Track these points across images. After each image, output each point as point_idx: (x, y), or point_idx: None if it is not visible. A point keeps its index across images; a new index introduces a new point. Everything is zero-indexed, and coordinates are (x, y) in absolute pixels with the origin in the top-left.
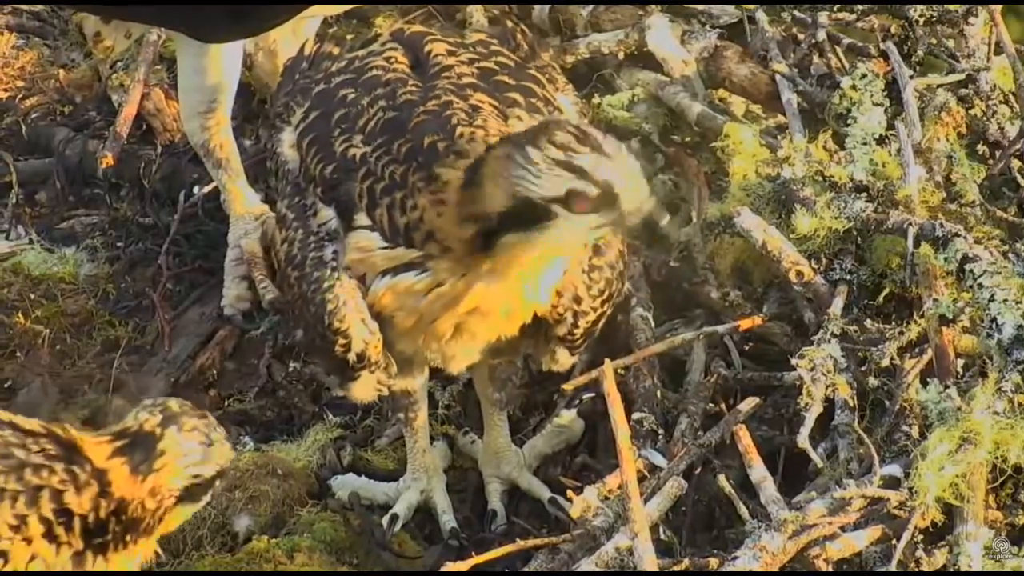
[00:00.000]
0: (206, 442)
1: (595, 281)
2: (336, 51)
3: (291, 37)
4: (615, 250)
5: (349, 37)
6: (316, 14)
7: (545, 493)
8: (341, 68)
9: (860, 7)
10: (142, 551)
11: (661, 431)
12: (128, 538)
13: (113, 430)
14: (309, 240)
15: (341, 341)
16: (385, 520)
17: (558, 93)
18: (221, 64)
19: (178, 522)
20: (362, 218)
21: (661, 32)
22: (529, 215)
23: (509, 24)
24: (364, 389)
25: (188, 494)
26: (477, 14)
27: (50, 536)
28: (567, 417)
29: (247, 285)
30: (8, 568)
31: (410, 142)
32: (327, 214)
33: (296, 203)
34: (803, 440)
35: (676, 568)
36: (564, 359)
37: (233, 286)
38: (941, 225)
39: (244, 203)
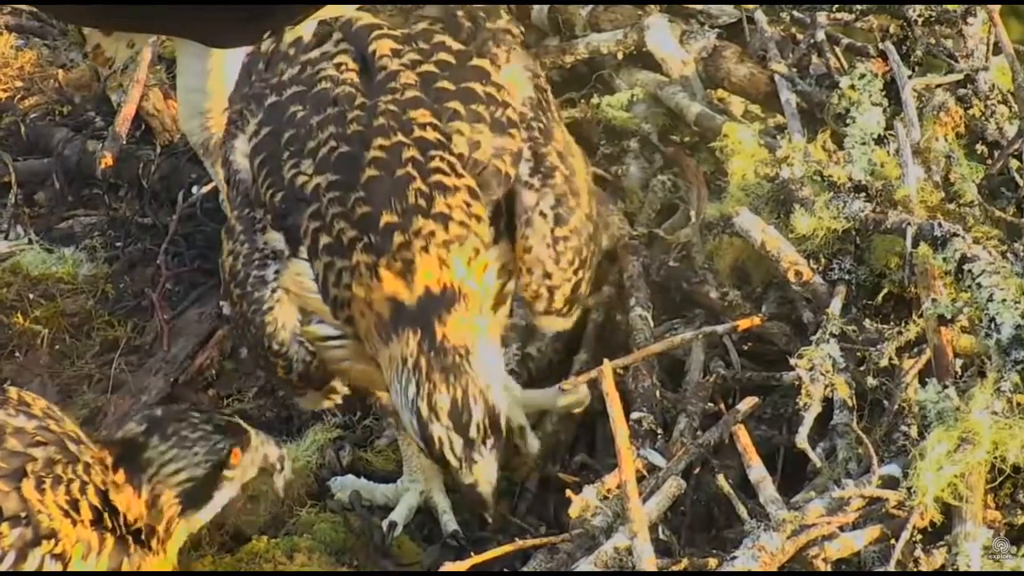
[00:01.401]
0: (188, 444)
1: (561, 252)
2: (291, 52)
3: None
4: (580, 213)
5: (301, 35)
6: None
7: (526, 423)
8: (293, 76)
9: (859, 7)
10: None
11: (660, 431)
12: (154, 546)
13: (107, 440)
14: (253, 256)
15: (281, 363)
16: (384, 524)
17: (506, 65)
18: (224, 65)
19: (191, 530)
20: (305, 252)
21: (660, 32)
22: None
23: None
24: (314, 402)
25: (189, 499)
26: None
27: (98, 524)
28: (573, 381)
29: None
30: (58, 549)
31: (366, 205)
32: (276, 237)
33: (246, 215)
34: (802, 440)
35: (675, 568)
36: (559, 325)
37: None
38: (940, 225)
39: None
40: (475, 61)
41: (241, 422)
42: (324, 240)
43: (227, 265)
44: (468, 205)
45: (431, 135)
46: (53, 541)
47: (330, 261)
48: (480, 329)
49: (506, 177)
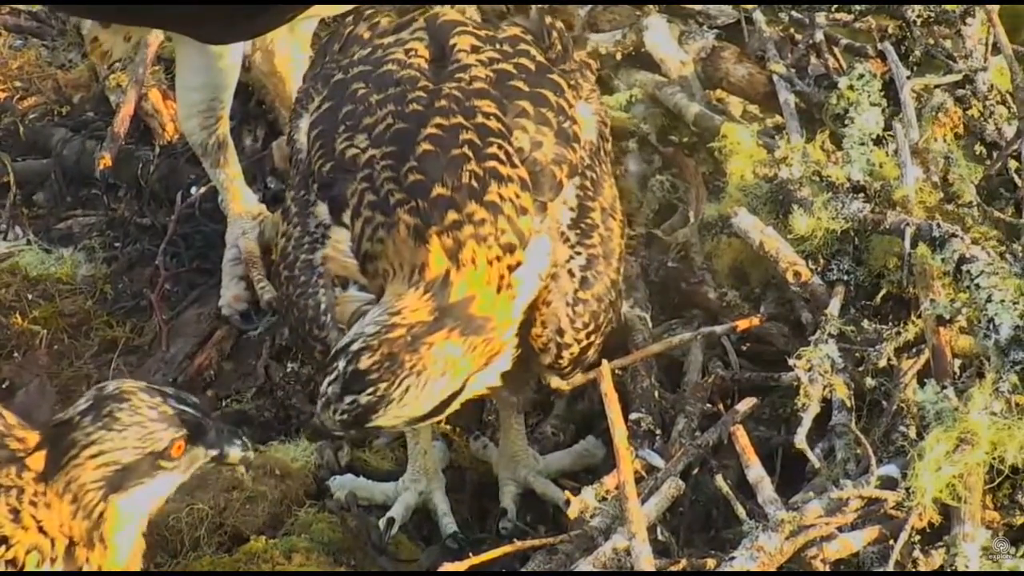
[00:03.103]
0: (118, 427)
1: (579, 314)
2: (367, 35)
3: (288, 37)
4: (605, 281)
5: (384, 20)
6: (317, 14)
7: (560, 496)
8: (363, 57)
9: (858, 8)
10: (131, 546)
11: (658, 431)
12: (93, 539)
13: (47, 421)
14: (304, 240)
15: (319, 348)
16: (382, 523)
17: (579, 101)
18: (223, 63)
19: (125, 519)
20: (347, 217)
21: (659, 32)
22: None
23: (547, 20)
24: None
25: (111, 484)
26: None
27: (41, 530)
28: (594, 442)
29: (245, 285)
30: (10, 555)
31: (420, 175)
32: (322, 211)
33: (300, 196)
34: (800, 440)
35: (673, 568)
36: (557, 383)
37: (231, 286)
38: (938, 225)
39: (242, 202)
40: (555, 76)
41: (203, 417)
42: (369, 197)
43: (279, 246)
44: (518, 197)
45: (493, 124)
46: (4, 547)
47: (371, 216)
48: (458, 370)
49: (559, 185)
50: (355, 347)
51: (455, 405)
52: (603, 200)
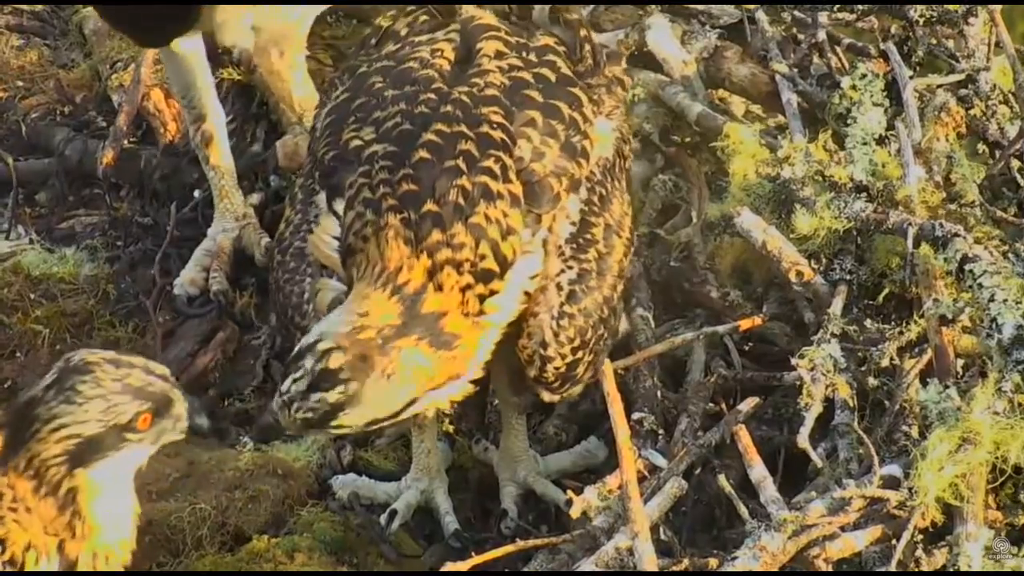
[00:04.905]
0: (79, 400)
1: (563, 328)
2: (404, 32)
3: (288, 37)
4: (596, 297)
5: (422, 19)
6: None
7: (561, 497)
8: (391, 52)
9: (860, 7)
10: (120, 519)
11: (661, 431)
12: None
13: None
14: (301, 227)
15: (299, 335)
16: (384, 517)
17: (599, 117)
18: (176, 63)
19: (98, 489)
20: (340, 205)
21: (661, 32)
22: None
23: (582, 33)
24: None
25: (75, 458)
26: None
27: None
28: (595, 443)
29: (205, 276)
30: (7, 555)
31: (412, 183)
32: (323, 199)
33: (307, 184)
34: (803, 440)
35: (676, 568)
36: (547, 397)
37: (192, 270)
38: (941, 225)
39: (228, 201)
40: (575, 90)
41: (170, 389)
42: (365, 194)
43: (280, 230)
44: (506, 216)
45: (496, 134)
46: (1, 547)
47: (362, 212)
48: (424, 379)
49: (556, 197)
50: (323, 346)
51: (406, 415)
52: (609, 217)
